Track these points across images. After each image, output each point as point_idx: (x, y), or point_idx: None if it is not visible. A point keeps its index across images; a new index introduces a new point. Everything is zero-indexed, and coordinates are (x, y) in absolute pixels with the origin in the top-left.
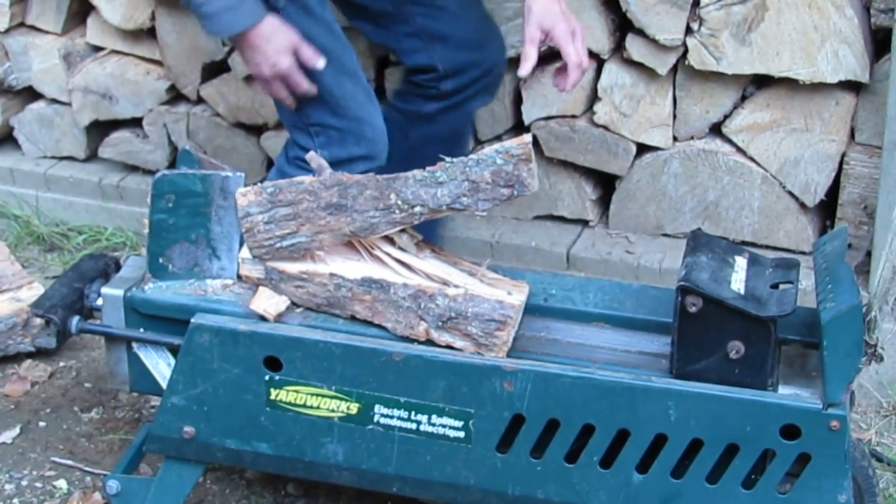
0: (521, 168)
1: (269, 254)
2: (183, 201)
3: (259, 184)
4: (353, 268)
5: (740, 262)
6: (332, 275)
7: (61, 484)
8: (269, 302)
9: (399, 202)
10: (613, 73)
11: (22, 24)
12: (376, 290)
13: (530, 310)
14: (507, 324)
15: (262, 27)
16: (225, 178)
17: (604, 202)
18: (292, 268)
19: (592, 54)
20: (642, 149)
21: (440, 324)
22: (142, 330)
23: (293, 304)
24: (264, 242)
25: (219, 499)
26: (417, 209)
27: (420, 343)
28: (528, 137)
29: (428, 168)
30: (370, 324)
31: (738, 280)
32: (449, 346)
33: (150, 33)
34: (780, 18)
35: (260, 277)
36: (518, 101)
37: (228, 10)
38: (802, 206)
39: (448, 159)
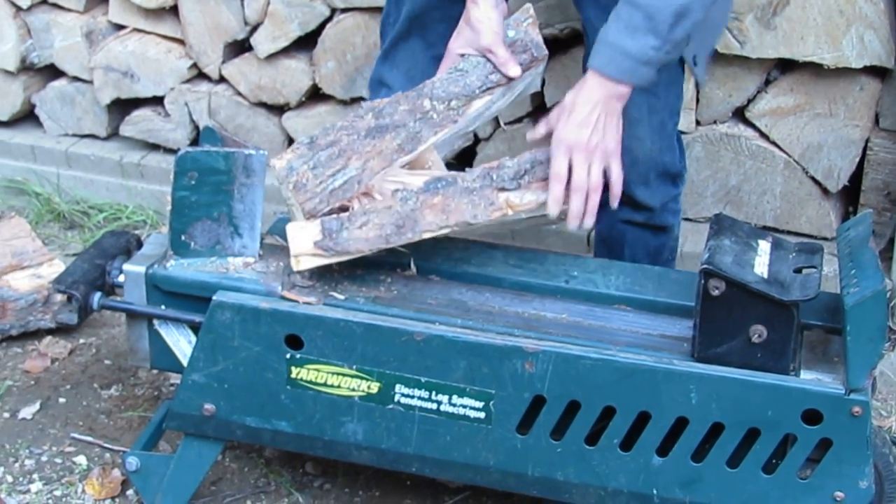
0: (530, 31)
1: (322, 202)
2: (206, 179)
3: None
4: (411, 179)
5: (763, 247)
6: (394, 191)
7: (81, 460)
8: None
9: (434, 104)
10: None
11: (44, 2)
12: (444, 187)
13: (551, 291)
14: None
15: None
16: (248, 155)
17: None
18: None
19: None
20: None
21: (518, 184)
22: (163, 307)
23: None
24: (316, 189)
25: (237, 477)
26: (453, 103)
27: (441, 324)
28: (528, 4)
29: (450, 67)
30: (395, 301)
31: (761, 264)
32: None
33: (172, 11)
34: (805, 2)
35: (317, 241)
36: (541, 83)
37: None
38: (825, 191)
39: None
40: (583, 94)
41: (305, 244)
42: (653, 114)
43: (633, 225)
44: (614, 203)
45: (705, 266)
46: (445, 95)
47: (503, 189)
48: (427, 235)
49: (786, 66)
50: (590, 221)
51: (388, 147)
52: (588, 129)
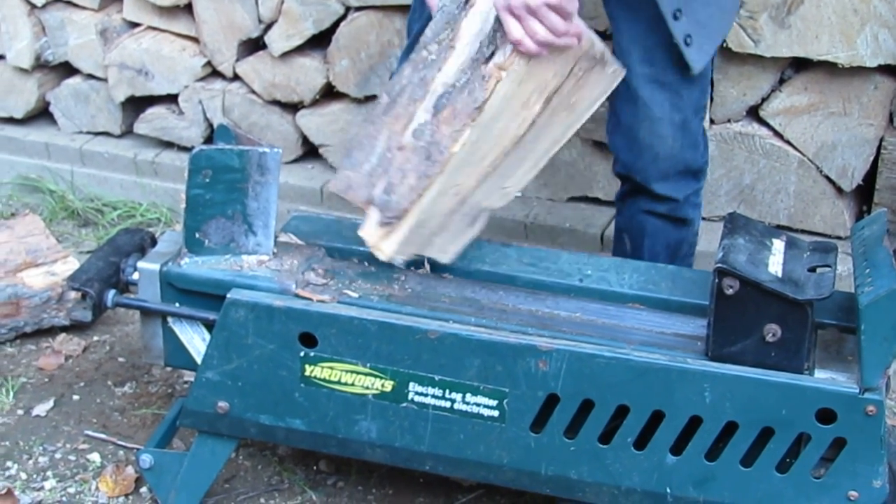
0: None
1: (368, 186)
2: (220, 177)
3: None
4: (419, 113)
5: (778, 245)
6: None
7: (94, 457)
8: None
9: (429, 49)
10: None
11: (59, 0)
12: (444, 96)
13: (565, 289)
14: None
15: None
16: (262, 153)
17: None
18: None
19: None
20: None
21: (492, 49)
22: (177, 305)
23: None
24: (360, 181)
25: (251, 474)
26: (443, 35)
27: (455, 322)
28: None
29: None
30: (406, 301)
31: (775, 263)
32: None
33: (186, 10)
34: (819, 1)
35: (380, 221)
36: None
37: None
38: (839, 190)
39: None
40: None
41: (373, 231)
42: (675, 112)
43: (654, 216)
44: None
45: (719, 265)
46: (433, 35)
47: (486, 61)
48: (456, 147)
49: (800, 64)
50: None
51: (402, 108)
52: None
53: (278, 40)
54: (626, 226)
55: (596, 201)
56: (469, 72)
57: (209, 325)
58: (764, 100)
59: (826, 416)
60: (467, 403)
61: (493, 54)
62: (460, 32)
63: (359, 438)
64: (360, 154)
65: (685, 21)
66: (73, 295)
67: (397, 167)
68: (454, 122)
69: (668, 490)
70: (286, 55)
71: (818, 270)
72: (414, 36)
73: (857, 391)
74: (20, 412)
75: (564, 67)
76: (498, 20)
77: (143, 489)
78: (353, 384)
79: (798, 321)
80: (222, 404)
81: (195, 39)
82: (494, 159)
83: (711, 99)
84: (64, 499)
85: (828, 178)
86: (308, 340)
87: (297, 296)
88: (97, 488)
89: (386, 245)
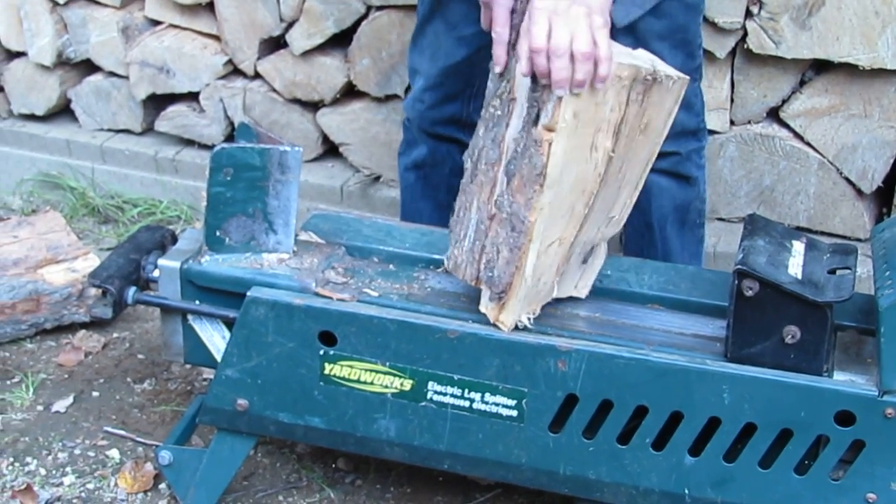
0: None
1: (471, 263)
2: (241, 175)
3: None
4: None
5: (798, 247)
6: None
7: (114, 454)
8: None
9: (492, 104)
10: None
11: None
12: (515, 160)
13: None
14: None
15: None
16: (283, 152)
17: None
18: None
19: None
20: None
21: (536, 107)
22: (197, 302)
23: None
24: (463, 257)
25: (269, 472)
26: (502, 88)
27: (475, 322)
28: None
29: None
30: (428, 298)
31: (795, 265)
32: None
33: (208, 8)
34: (840, 3)
35: (490, 297)
36: None
37: None
38: (859, 192)
39: None
40: None
41: (489, 307)
42: None
43: (656, 172)
44: (602, 70)
45: (739, 266)
46: (494, 89)
47: (535, 123)
48: (534, 216)
49: (821, 66)
50: (579, 88)
51: (483, 174)
52: None
53: (300, 39)
54: None
55: None
56: (524, 136)
57: (229, 323)
58: (784, 101)
59: (845, 419)
60: (486, 403)
61: (538, 115)
62: (515, 82)
63: (377, 437)
64: (459, 228)
65: None
66: (93, 292)
67: (491, 241)
68: (525, 191)
69: (687, 491)
70: (307, 54)
71: (838, 272)
72: (417, 26)
73: (877, 394)
74: (40, 408)
75: (619, 100)
76: (532, 79)
77: (162, 486)
78: (372, 383)
79: (817, 323)
80: (242, 402)
81: (217, 37)
82: (585, 204)
83: (732, 100)
84: (83, 494)
85: (848, 179)
86: (328, 339)
87: (316, 294)
88: (116, 484)
89: (504, 317)
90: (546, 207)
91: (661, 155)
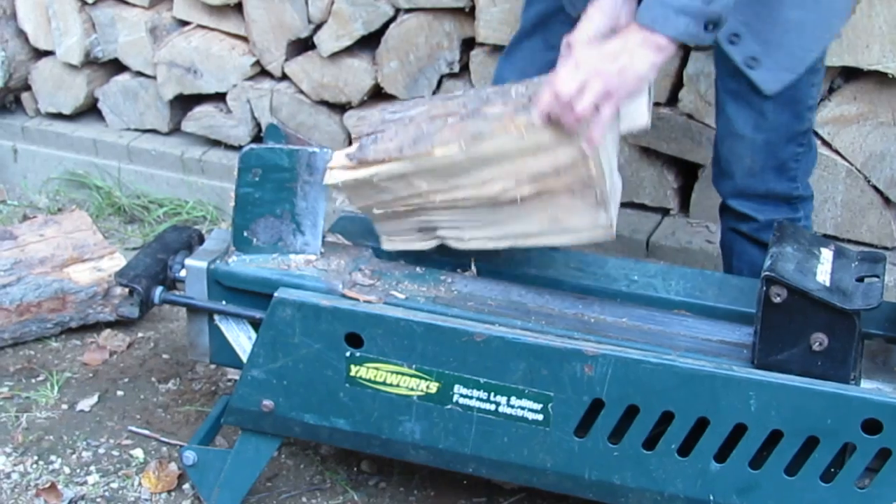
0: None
1: (372, 127)
2: (269, 176)
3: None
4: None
5: (826, 255)
6: (431, 118)
7: (138, 453)
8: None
9: (519, 90)
10: (699, 60)
11: None
12: (470, 114)
13: (611, 295)
14: None
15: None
16: (312, 153)
17: (685, 191)
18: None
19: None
20: None
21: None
22: (224, 302)
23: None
24: (373, 119)
25: (293, 473)
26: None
27: (501, 325)
28: None
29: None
30: (455, 301)
31: (823, 272)
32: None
33: (236, 9)
34: (871, 11)
35: (349, 154)
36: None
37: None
38: (887, 200)
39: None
40: (619, 36)
41: (339, 158)
42: (757, 132)
43: (738, 235)
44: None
45: (767, 273)
46: (528, 91)
47: (518, 109)
48: (439, 151)
49: (850, 74)
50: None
51: (454, 106)
52: (605, 58)
53: (328, 41)
54: (721, 241)
55: (643, 207)
56: (500, 103)
57: (256, 324)
58: None
59: (872, 427)
60: (512, 406)
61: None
62: None
63: (402, 439)
64: (399, 107)
65: (747, 44)
66: (120, 291)
67: (395, 130)
68: (452, 132)
69: (712, 497)
70: (335, 56)
71: (866, 280)
72: (513, 39)
73: None
74: (64, 407)
75: (566, 176)
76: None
77: (186, 486)
78: (398, 385)
79: (845, 331)
80: (267, 402)
81: (244, 38)
82: (466, 199)
83: None
84: (107, 494)
85: (875, 188)
86: (354, 340)
87: (343, 296)
88: (140, 484)
89: (335, 175)
90: (447, 160)
91: (740, 217)
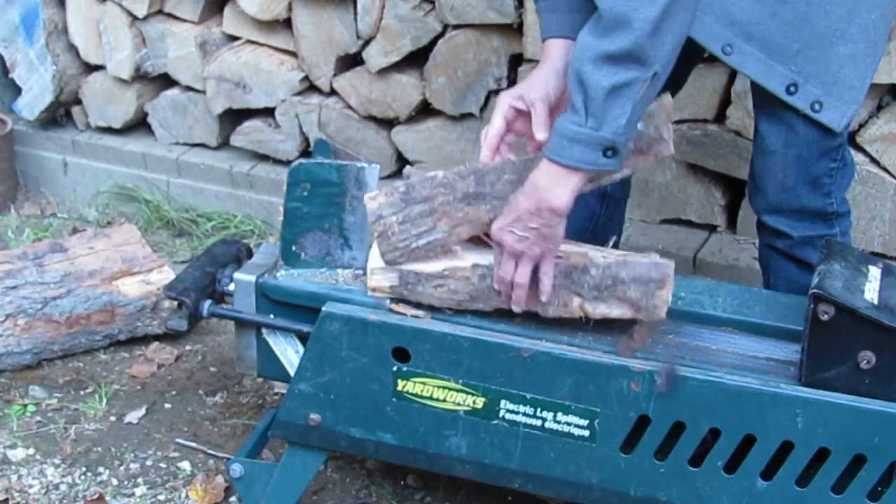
0: (661, 129)
1: (403, 256)
2: (318, 190)
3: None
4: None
5: (874, 272)
6: (475, 266)
7: (185, 465)
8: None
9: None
10: (747, 78)
11: (160, 12)
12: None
13: None
14: (667, 282)
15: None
16: (360, 168)
17: (732, 208)
18: (430, 267)
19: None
20: None
21: (596, 294)
22: (272, 316)
23: (431, 307)
24: (399, 245)
25: (339, 487)
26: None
27: (548, 341)
28: (667, 97)
29: None
30: (502, 317)
31: (871, 290)
32: (605, 319)
33: (285, 24)
34: None
35: (393, 285)
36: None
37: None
38: None
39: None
40: (530, 180)
41: (382, 283)
42: (789, 147)
43: (774, 251)
44: (542, 297)
45: (815, 290)
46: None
47: (579, 294)
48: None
49: None
50: (517, 308)
51: (481, 218)
52: (518, 229)
53: (376, 56)
54: (759, 257)
55: (689, 224)
56: (560, 278)
57: (303, 338)
58: (861, 126)
59: None
60: (558, 422)
61: (587, 297)
62: None
63: (448, 454)
64: (415, 214)
65: (808, 90)
66: (168, 304)
67: (440, 273)
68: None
69: None
70: (383, 71)
71: None
72: None
73: None
74: (113, 419)
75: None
76: (619, 279)
77: (233, 498)
78: (444, 400)
79: (893, 349)
80: (314, 416)
81: (293, 54)
82: None
83: None
84: None
85: None
86: (401, 355)
87: (391, 310)
88: (187, 496)
89: (379, 293)
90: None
91: (775, 234)
